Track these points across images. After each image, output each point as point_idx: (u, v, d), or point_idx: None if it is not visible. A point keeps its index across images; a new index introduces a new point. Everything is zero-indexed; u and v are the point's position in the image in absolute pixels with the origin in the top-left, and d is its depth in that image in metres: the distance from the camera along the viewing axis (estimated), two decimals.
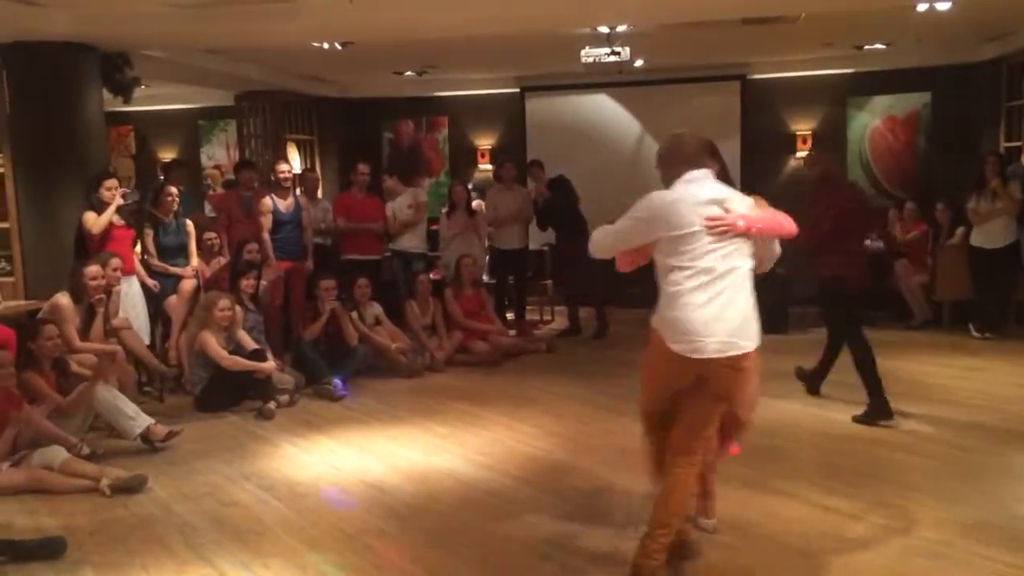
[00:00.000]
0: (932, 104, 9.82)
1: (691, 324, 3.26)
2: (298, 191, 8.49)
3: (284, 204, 7.84)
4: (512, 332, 8.57)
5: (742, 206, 3.39)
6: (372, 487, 4.69)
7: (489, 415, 6.04)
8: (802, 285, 9.15)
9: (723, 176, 3.55)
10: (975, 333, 8.02)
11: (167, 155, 11.41)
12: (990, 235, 7.97)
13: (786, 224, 3.54)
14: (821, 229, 5.47)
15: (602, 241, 3.58)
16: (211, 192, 11.11)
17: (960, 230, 8.34)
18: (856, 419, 5.53)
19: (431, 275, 8.36)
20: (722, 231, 3.28)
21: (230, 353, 6.30)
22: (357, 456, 5.26)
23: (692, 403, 3.45)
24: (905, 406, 5.84)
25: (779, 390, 6.39)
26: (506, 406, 6.24)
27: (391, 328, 7.58)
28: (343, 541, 3.99)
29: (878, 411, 5.48)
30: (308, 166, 10.44)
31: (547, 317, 9.69)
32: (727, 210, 3.33)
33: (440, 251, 8.94)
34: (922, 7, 6.70)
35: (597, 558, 3.72)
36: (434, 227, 9.12)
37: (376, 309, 7.58)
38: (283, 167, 8.06)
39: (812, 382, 6.25)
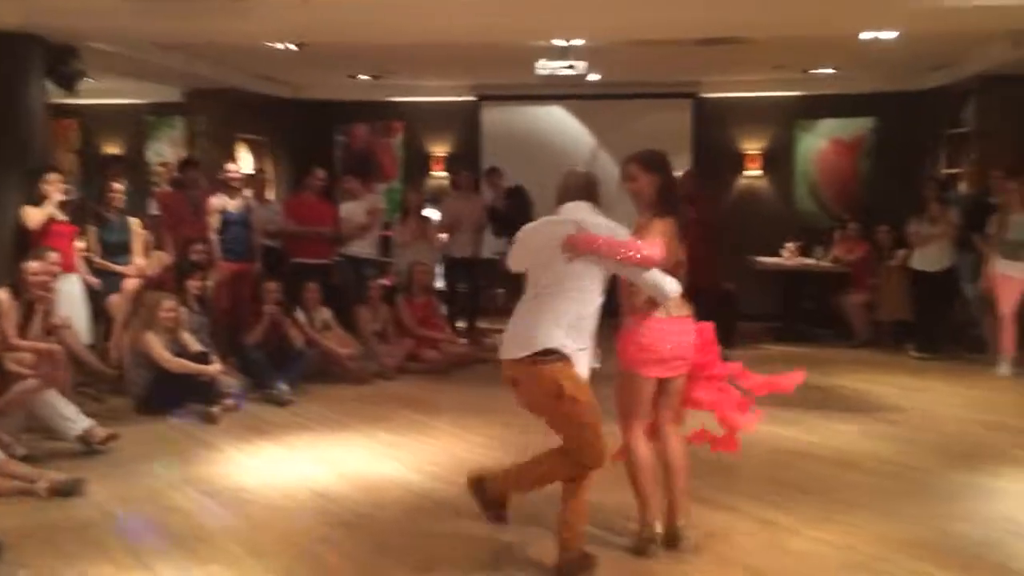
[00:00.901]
0: (877, 129, 10.10)
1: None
2: (248, 192, 8.38)
3: (232, 204, 7.72)
4: (463, 341, 8.55)
5: (601, 231, 3.53)
6: (318, 494, 4.63)
7: (438, 424, 6.02)
8: (751, 301, 9.39)
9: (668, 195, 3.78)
10: (914, 353, 8.25)
11: (113, 150, 11.16)
12: (930, 258, 8.21)
13: (624, 248, 3.52)
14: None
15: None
16: (157, 190, 10.88)
17: (901, 252, 8.58)
18: None
19: (383, 281, 8.31)
20: (568, 249, 3.49)
21: (174, 355, 6.17)
22: (303, 463, 5.19)
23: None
24: (845, 423, 5.99)
25: None
26: (456, 415, 6.21)
27: (340, 334, 7.51)
28: (287, 549, 3.93)
29: None
30: (259, 167, 10.30)
31: (498, 326, 9.68)
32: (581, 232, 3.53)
33: (393, 257, 8.90)
34: (866, 36, 6.90)
35: (543, 568, 3.72)
36: (387, 233, 9.07)
37: (325, 314, 7.50)
38: (232, 167, 7.95)
39: None
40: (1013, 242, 7.31)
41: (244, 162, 9.84)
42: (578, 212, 3.64)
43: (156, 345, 6.12)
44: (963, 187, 8.48)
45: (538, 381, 3.53)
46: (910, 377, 7.46)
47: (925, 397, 6.79)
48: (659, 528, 3.87)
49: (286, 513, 4.39)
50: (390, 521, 4.26)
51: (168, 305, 6.25)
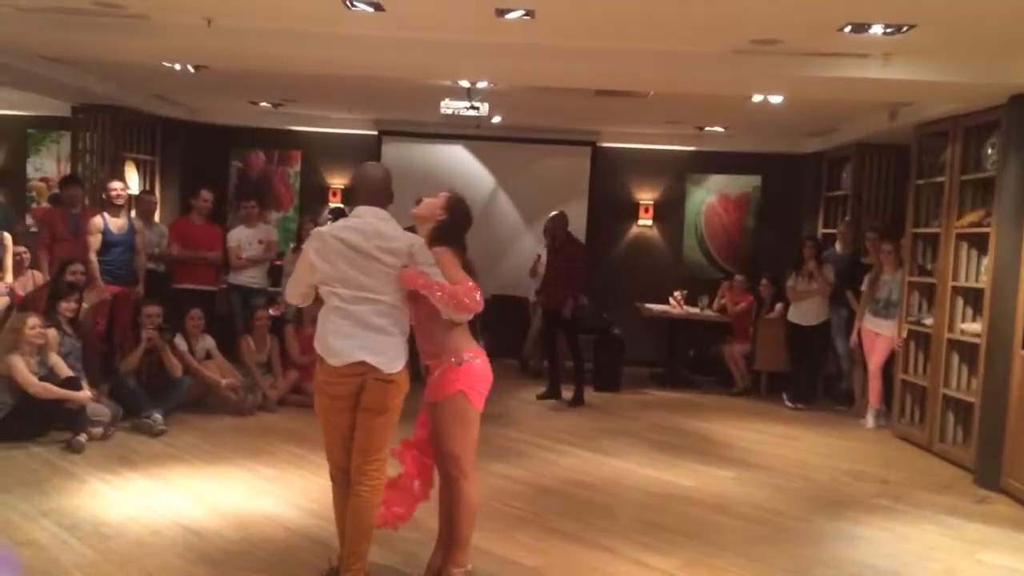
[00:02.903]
0: (762, 187, 10.57)
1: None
2: (133, 213, 8.08)
3: (116, 224, 7.44)
4: None
5: (399, 243, 3.62)
6: (188, 530, 4.45)
7: (319, 459, 5.79)
8: (637, 346, 9.60)
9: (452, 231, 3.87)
10: (788, 403, 8.59)
11: None
12: (805, 313, 8.59)
13: (455, 298, 3.63)
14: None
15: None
16: (35, 206, 10.38)
17: (779, 306, 8.95)
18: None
19: (271, 311, 8.12)
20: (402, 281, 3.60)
21: (41, 379, 5.86)
22: (175, 496, 4.97)
23: None
24: (720, 469, 6.16)
25: (608, 447, 6.61)
26: None
27: (222, 363, 7.29)
28: None
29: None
30: (147, 188, 9.95)
31: None
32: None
33: (282, 287, 8.71)
34: (757, 98, 7.25)
35: None
36: (278, 263, 8.89)
37: (208, 342, 7.27)
38: (116, 185, 7.68)
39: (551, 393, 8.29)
40: (883, 300, 7.73)
41: (131, 182, 9.50)
42: (384, 223, 3.67)
43: (21, 368, 5.80)
44: (839, 246, 8.94)
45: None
46: (784, 426, 7.75)
47: (797, 446, 7.06)
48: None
49: (149, 549, 4.19)
50: (264, 560, 4.13)
51: (32, 323, 5.94)
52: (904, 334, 7.41)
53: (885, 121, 7.89)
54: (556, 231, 8.33)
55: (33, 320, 5.96)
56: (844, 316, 8.49)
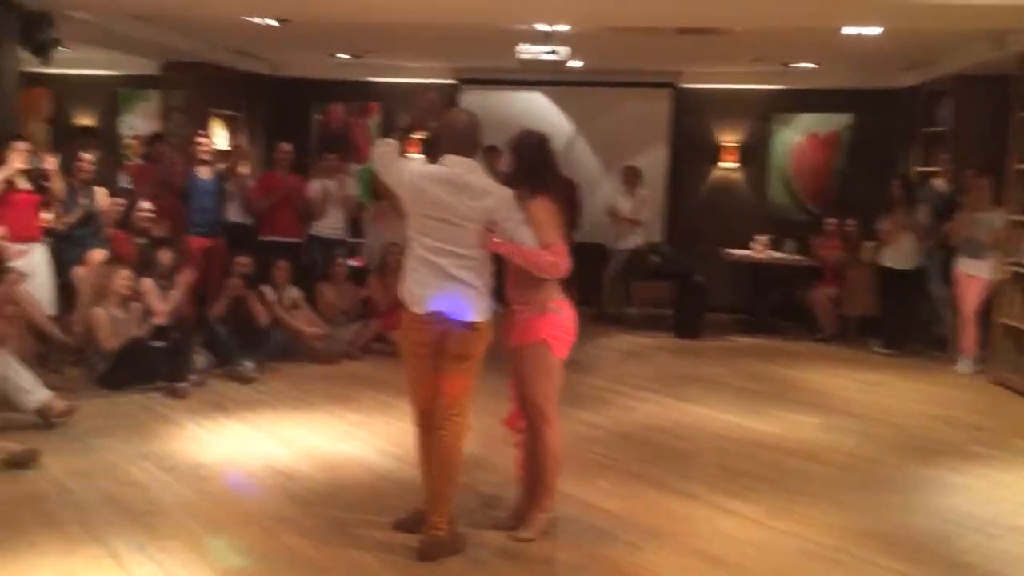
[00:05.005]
0: (853, 124, 10.15)
1: None
2: (221, 166, 8.28)
3: (204, 172, 7.69)
4: None
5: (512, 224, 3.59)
6: (279, 473, 4.61)
7: (403, 405, 5.87)
8: (720, 292, 9.43)
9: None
10: (878, 349, 8.33)
11: (84, 121, 10.98)
12: (898, 256, 8.26)
13: (537, 261, 3.64)
14: None
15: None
16: (128, 163, 10.74)
17: (869, 245, 8.64)
18: None
19: (352, 262, 8.26)
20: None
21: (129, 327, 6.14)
22: (265, 441, 5.16)
23: None
24: (806, 416, 6.04)
25: (690, 394, 6.55)
26: None
27: (309, 314, 7.46)
28: (245, 526, 3.91)
29: None
30: (234, 142, 10.18)
31: None
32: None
33: (365, 238, 8.84)
34: (849, 31, 6.91)
35: (504, 552, 3.73)
36: (359, 215, 9.00)
37: (295, 293, 7.45)
38: (203, 140, 7.88)
39: None
40: (977, 241, 7.38)
41: (218, 137, 9.73)
42: (472, 174, 3.62)
43: (101, 324, 6.06)
44: (939, 185, 8.54)
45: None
46: (873, 372, 7.53)
47: (887, 392, 6.86)
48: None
49: (244, 490, 4.36)
50: (350, 502, 4.24)
51: (123, 275, 6.20)
52: (1006, 276, 7.06)
53: (988, 50, 7.43)
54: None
55: (125, 272, 6.20)
56: (940, 258, 8.13)
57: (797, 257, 9.40)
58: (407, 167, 3.71)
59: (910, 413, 6.24)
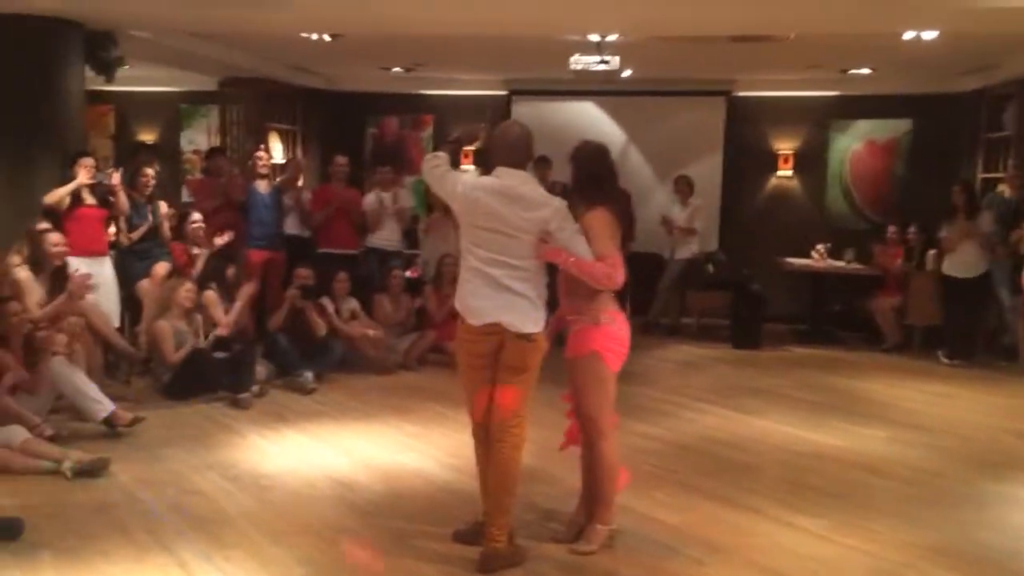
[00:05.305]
0: (913, 130, 9.94)
1: None
2: (278, 179, 8.43)
3: (263, 186, 7.84)
4: None
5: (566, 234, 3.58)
6: (339, 483, 4.65)
7: (461, 417, 5.89)
8: (778, 302, 9.29)
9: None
10: (944, 359, 8.11)
11: (147, 137, 11.27)
12: (962, 264, 8.05)
13: (592, 272, 3.63)
14: None
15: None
16: (189, 177, 10.99)
17: (931, 254, 8.44)
18: None
19: (407, 273, 8.33)
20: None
21: (193, 340, 6.28)
22: (325, 451, 5.21)
23: None
24: (870, 428, 5.91)
25: (749, 405, 6.45)
26: None
27: (367, 323, 7.53)
28: (307, 536, 3.95)
29: None
30: (291, 156, 10.36)
31: None
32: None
33: (420, 250, 8.91)
34: (908, 35, 6.78)
35: (565, 565, 3.71)
36: (414, 226, 9.08)
37: (352, 304, 7.52)
38: (262, 155, 8.04)
39: None
40: None
41: (275, 151, 9.90)
42: (525, 185, 3.63)
43: (165, 337, 6.19)
44: (1006, 191, 8.31)
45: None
46: (940, 383, 7.34)
47: (955, 404, 6.68)
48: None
49: (306, 501, 4.41)
50: (410, 513, 4.26)
51: (187, 287, 6.34)
52: None
53: None
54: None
55: (189, 285, 6.34)
56: (1008, 265, 7.90)
57: (857, 265, 9.22)
58: (460, 179, 3.73)
59: (978, 425, 6.06)
